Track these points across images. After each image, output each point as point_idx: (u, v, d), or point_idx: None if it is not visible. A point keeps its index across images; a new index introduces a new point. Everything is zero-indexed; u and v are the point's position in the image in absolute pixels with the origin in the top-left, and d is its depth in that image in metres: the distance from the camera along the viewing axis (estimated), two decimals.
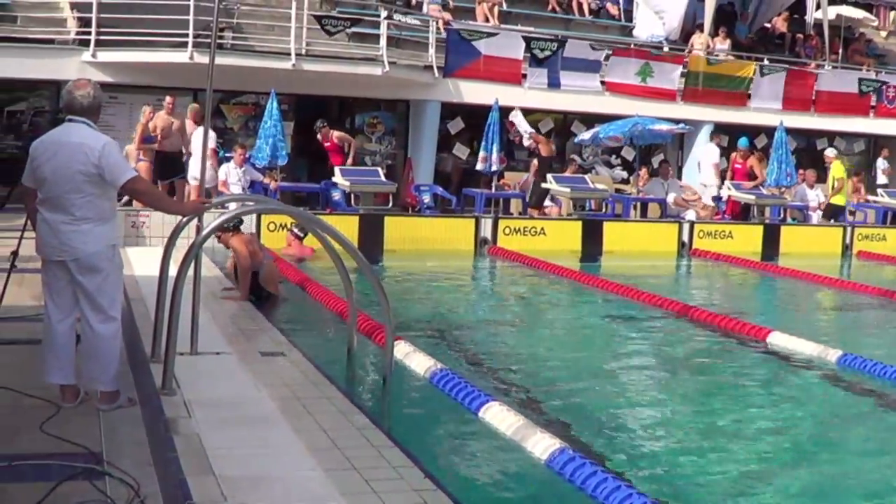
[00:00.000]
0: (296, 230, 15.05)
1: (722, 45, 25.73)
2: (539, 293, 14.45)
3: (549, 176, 20.21)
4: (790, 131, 22.62)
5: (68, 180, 5.98)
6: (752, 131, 24.55)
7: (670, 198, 21.12)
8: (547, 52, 21.70)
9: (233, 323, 9.44)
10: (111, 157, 6.02)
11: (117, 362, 6.26)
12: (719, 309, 12.63)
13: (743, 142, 21.91)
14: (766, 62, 24.73)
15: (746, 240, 19.92)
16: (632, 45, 24.34)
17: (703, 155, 22.49)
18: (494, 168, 19.74)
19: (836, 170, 22.11)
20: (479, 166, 20.15)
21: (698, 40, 25.47)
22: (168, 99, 17.19)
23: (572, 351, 10.39)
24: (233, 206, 9.97)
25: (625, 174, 24.06)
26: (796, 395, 8.80)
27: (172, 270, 7.23)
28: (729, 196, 21.41)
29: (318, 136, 19.32)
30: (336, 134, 19.55)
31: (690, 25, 26.23)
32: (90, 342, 6.13)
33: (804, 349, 10.10)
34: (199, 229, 7.59)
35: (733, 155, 22.24)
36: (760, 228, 20.35)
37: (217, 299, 10.63)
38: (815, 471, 6.75)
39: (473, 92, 21.19)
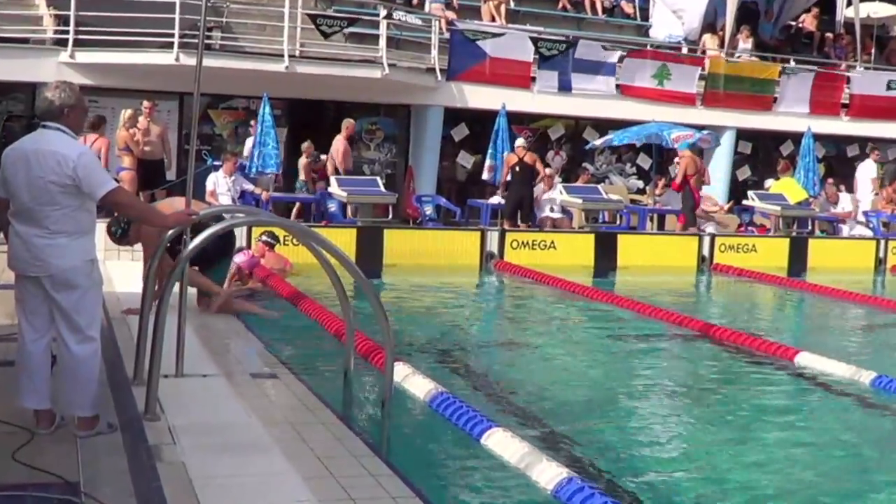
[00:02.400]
0: (265, 237, 14.95)
1: (745, 44, 25.77)
2: (548, 311, 14.42)
3: (559, 185, 20.22)
4: (818, 137, 22.65)
5: (42, 192, 5.94)
6: (778, 137, 24.61)
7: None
8: (554, 52, 21.71)
9: (221, 342, 9.44)
10: (88, 168, 5.97)
11: (96, 385, 6.24)
12: (743, 328, 12.60)
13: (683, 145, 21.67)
14: (792, 63, 24.75)
15: (771, 254, 19.89)
16: (648, 46, 24.39)
17: (861, 171, 22.49)
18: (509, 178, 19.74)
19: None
20: (485, 175, 20.18)
21: (711, 41, 25.51)
22: (146, 103, 17.22)
23: (583, 373, 10.36)
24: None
25: (640, 183, 24.09)
26: (827, 419, 8.77)
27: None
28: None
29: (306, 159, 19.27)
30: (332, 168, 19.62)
31: (711, 25, 26.27)
32: (67, 364, 6.11)
33: (834, 370, 10.06)
34: (185, 243, 7.59)
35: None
36: (786, 242, 20.31)
37: (203, 316, 10.61)
38: (849, 501, 6.72)
39: (479, 96, 21.23)
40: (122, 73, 18.60)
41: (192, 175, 7.95)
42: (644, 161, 24.02)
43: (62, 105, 6.12)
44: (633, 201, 22.50)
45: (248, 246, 15.50)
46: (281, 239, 15.48)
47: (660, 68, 22.94)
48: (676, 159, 21.42)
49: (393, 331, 7.88)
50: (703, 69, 23.74)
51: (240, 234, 15.59)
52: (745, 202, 21.73)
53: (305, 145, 19.40)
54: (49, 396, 6.20)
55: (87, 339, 6.11)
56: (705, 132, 21.52)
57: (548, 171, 20.58)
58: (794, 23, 28.76)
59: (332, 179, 18.47)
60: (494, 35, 21.67)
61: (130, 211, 6.75)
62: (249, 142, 19.09)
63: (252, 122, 19.50)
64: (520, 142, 19.86)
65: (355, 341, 8.69)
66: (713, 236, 19.74)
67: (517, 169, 19.28)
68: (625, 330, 12.73)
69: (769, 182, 22.42)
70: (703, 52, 24.86)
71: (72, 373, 6.10)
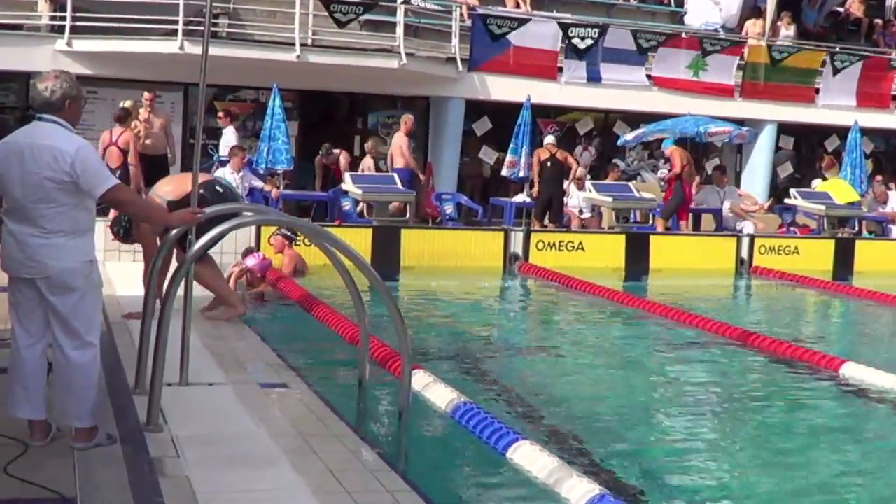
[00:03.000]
0: (284, 230, 14.96)
1: (786, 31, 25.67)
2: (576, 317, 14.38)
3: (587, 183, 20.17)
4: (866, 131, 22.53)
5: (37, 188, 5.92)
6: (822, 132, 24.50)
7: (726, 206, 21.05)
8: (588, 42, 21.67)
9: (228, 349, 9.44)
10: (87, 163, 5.95)
11: (95, 394, 6.23)
12: (784, 336, 12.53)
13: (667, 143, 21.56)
14: (837, 51, 24.64)
15: (815, 256, 19.79)
16: (683, 34, 24.32)
17: None
18: (524, 174, 19.72)
19: None
20: (504, 171, 20.15)
21: (754, 27, 25.42)
22: (147, 95, 17.25)
23: (614, 383, 10.32)
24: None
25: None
26: (875, 434, 8.71)
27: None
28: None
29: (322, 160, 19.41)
30: (344, 162, 19.70)
31: (750, 11, 26.18)
32: (64, 371, 6.09)
33: (883, 382, 9.98)
34: (190, 243, 7.59)
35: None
36: (832, 243, 20.19)
37: (209, 321, 10.62)
38: None
39: (502, 87, 21.23)
40: (122, 62, 18.66)
41: (198, 171, 7.94)
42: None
43: (64, 96, 6.09)
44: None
45: (258, 247, 15.53)
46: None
47: (695, 58, 22.87)
48: (709, 163, 21.37)
49: (410, 336, 7.86)
50: (741, 59, 23.65)
51: (249, 235, 15.63)
52: (786, 201, 21.64)
53: (369, 145, 19.76)
54: (44, 406, 6.19)
55: (86, 345, 6.10)
56: (744, 127, 21.45)
57: (579, 174, 20.47)
58: (840, 8, 28.62)
59: (347, 176, 18.49)
60: (519, 22, 21.65)
61: (132, 209, 6.75)
62: (229, 133, 18.95)
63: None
64: (549, 139, 19.88)
65: (370, 348, 8.68)
66: (752, 237, 19.65)
67: (548, 165, 19.27)
68: (658, 337, 12.68)
69: (816, 182, 22.29)
70: (743, 40, 24.76)
71: (68, 381, 6.08)
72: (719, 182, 21.61)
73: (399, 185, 18.61)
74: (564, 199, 19.92)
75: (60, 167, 5.89)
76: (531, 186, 19.74)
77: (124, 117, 16.70)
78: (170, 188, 10.48)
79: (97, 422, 6.27)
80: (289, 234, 15.03)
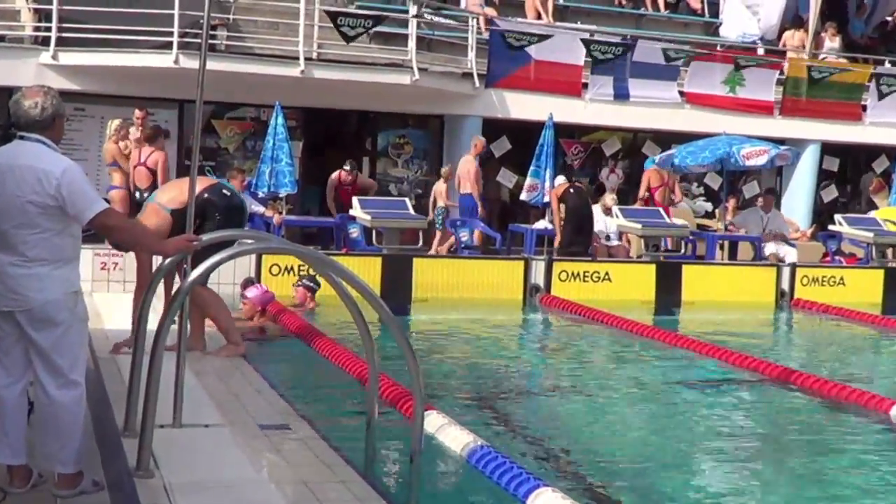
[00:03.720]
0: (306, 281, 15.08)
1: (831, 43, 25.67)
2: (602, 353, 14.37)
3: (615, 209, 20.17)
4: None
5: (18, 212, 5.90)
6: (870, 152, 24.46)
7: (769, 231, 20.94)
8: (609, 55, 21.72)
9: (225, 387, 9.43)
10: (74, 186, 5.92)
11: (80, 437, 6.19)
12: (829, 374, 12.49)
13: (649, 162, 21.69)
14: (887, 65, 24.62)
15: (863, 288, 19.72)
16: (718, 47, 24.34)
17: None
18: (546, 199, 19.70)
19: None
20: (523, 196, 20.15)
21: (792, 39, 25.43)
22: (138, 113, 17.28)
23: (643, 424, 10.31)
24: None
25: (709, 206, 24.02)
26: None
27: (152, 324, 7.23)
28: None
29: (341, 175, 19.40)
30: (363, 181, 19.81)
31: (791, 21, 26.20)
32: (46, 412, 6.05)
33: None
34: (185, 273, 7.60)
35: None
36: (881, 274, 20.08)
37: (205, 357, 10.63)
38: None
39: (522, 105, 21.28)
40: (112, 76, 18.74)
41: (194, 194, 7.96)
42: (713, 180, 23.94)
43: (53, 114, 6.08)
44: (700, 226, 22.41)
45: (259, 278, 15.56)
46: (296, 269, 15.55)
47: (731, 73, 22.89)
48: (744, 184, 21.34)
49: (423, 375, 7.84)
50: (781, 73, 23.66)
51: (248, 264, 15.65)
52: (831, 227, 21.59)
53: (445, 170, 19.87)
54: (25, 450, 6.14)
55: (70, 384, 6.06)
56: (783, 147, 21.42)
57: (608, 201, 20.40)
58: (889, 18, 28.61)
59: (355, 201, 18.48)
60: (540, 36, 21.71)
61: (124, 236, 6.73)
62: None
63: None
64: (561, 178, 19.85)
65: (380, 386, 8.66)
66: (794, 267, 19.60)
67: (571, 191, 19.25)
68: (690, 375, 12.66)
69: (871, 213, 22.20)
70: (783, 51, 24.76)
71: (51, 422, 6.04)
72: (767, 206, 21.42)
73: (410, 210, 18.65)
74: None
75: (45, 190, 5.86)
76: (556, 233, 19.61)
77: (154, 136, 16.72)
78: (171, 196, 10.56)
79: (82, 467, 6.24)
80: (312, 285, 15.08)
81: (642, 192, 21.06)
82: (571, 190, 19.31)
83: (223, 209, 10.45)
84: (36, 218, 5.90)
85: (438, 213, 19.74)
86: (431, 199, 20.10)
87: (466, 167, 19.73)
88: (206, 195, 10.37)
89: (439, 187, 19.91)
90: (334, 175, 19.70)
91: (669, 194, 21.20)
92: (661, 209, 20.57)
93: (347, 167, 19.65)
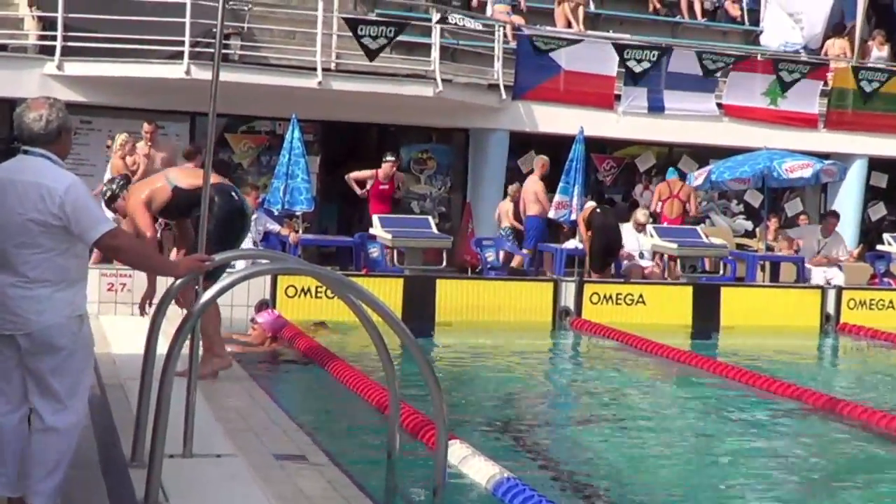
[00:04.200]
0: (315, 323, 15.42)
1: (879, 53, 25.59)
2: (636, 380, 14.31)
3: (649, 227, 20.14)
4: None
5: (19, 231, 5.88)
6: None
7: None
8: (645, 65, 21.71)
9: (239, 415, 9.44)
10: (78, 203, 5.91)
11: (64, 471, 6.12)
12: (878, 404, 12.43)
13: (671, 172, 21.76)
14: None
15: None
16: (758, 56, 24.32)
17: None
18: (575, 217, 19.68)
19: None
20: (552, 213, 20.12)
21: (833, 48, 25.37)
22: (147, 126, 17.33)
23: (680, 457, 10.26)
24: (241, 264, 10.01)
25: (749, 224, 23.95)
26: None
27: (162, 348, 7.24)
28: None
29: (378, 173, 19.24)
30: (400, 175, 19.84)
31: (834, 29, 26.13)
32: (37, 437, 6.00)
33: None
34: (197, 294, 7.61)
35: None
36: None
37: (217, 383, 10.64)
38: None
39: (552, 118, 21.30)
40: (120, 88, 18.82)
41: (206, 213, 7.97)
42: (753, 197, 23.87)
43: (60, 127, 6.07)
44: (739, 246, 22.35)
45: (273, 301, 15.60)
46: (313, 290, 15.59)
47: (773, 84, 22.84)
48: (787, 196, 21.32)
49: (446, 403, 7.83)
50: (825, 84, 23.61)
51: (263, 286, 15.68)
52: (879, 247, 21.50)
53: (513, 188, 20.17)
54: (21, 481, 6.08)
55: (66, 409, 6.02)
56: (828, 162, 21.35)
57: (640, 217, 20.36)
58: None
59: (375, 219, 18.44)
60: (570, 43, 21.72)
61: (132, 258, 6.70)
62: None
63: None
64: (589, 203, 19.85)
65: (401, 415, 8.66)
66: (840, 289, 19.51)
67: (597, 211, 19.22)
68: (730, 405, 12.60)
69: None
70: (827, 61, 24.70)
71: (40, 447, 5.98)
72: (828, 230, 21.05)
73: (433, 228, 18.65)
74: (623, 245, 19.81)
75: (48, 208, 5.84)
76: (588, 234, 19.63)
77: (194, 153, 16.82)
78: (182, 175, 10.72)
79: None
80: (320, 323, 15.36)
81: (654, 206, 21.19)
82: (598, 210, 19.30)
83: (223, 211, 10.38)
84: (38, 237, 5.88)
85: (506, 232, 19.89)
86: (496, 216, 20.32)
87: (533, 188, 19.91)
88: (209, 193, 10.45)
89: (505, 206, 20.07)
90: (369, 171, 19.60)
91: (681, 206, 21.14)
92: (696, 228, 20.57)
93: (391, 157, 19.48)
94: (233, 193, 10.74)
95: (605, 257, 19.21)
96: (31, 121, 6.05)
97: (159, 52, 18.76)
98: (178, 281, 7.82)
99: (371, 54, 19.52)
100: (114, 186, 10.82)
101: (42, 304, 5.91)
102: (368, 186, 19.22)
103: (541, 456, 9.82)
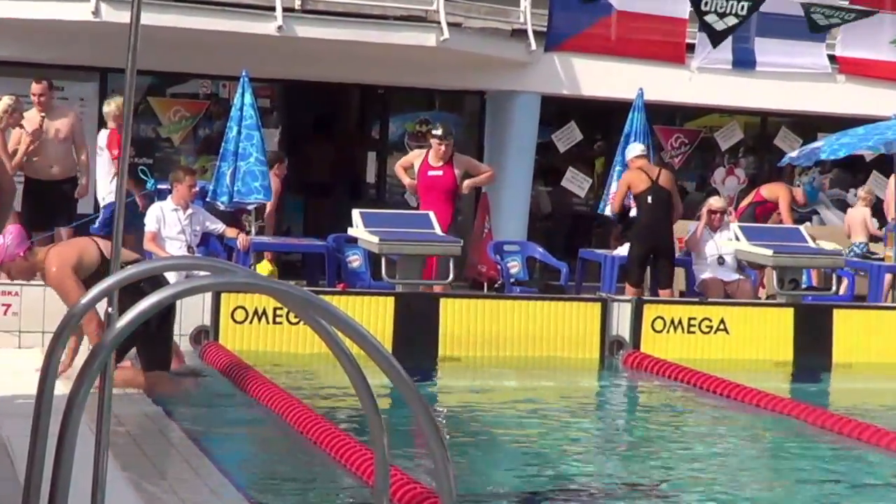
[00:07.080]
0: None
1: None
2: (714, 437, 14.35)
3: (733, 226, 20.12)
4: None
5: None
6: None
7: None
8: (731, 20, 21.59)
9: (166, 482, 9.49)
10: None
11: None
12: None
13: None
14: None
15: None
16: None
17: None
18: (634, 213, 19.61)
19: None
20: (606, 210, 20.09)
21: None
22: (36, 87, 17.27)
23: None
24: (171, 277, 10.06)
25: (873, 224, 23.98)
26: None
27: (59, 389, 7.29)
28: None
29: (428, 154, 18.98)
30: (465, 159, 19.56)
31: None
32: None
33: None
34: (109, 318, 7.65)
35: None
36: None
37: (133, 433, 10.69)
38: None
39: (599, 77, 21.37)
40: (6, 35, 18.86)
41: (123, 205, 8.02)
42: (879, 185, 23.89)
43: None
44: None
45: (217, 325, 15.65)
46: (269, 314, 15.62)
47: None
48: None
49: (454, 469, 7.88)
50: None
51: (202, 308, 15.72)
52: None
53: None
54: None
55: None
56: None
57: (713, 202, 20.33)
58: None
59: (355, 215, 18.10)
60: None
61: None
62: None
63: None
64: (638, 149, 19.55)
65: (391, 483, 8.70)
66: None
67: (647, 199, 18.90)
68: (844, 470, 12.65)
69: None
70: None
71: None
72: None
73: (436, 228, 18.49)
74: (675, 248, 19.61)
75: None
76: (618, 237, 19.57)
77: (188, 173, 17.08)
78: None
79: None
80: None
81: (619, 197, 20.16)
82: (647, 197, 18.64)
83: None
84: None
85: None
86: (846, 226, 20.24)
87: None
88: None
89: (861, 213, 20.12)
90: (417, 152, 19.20)
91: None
92: (799, 228, 20.59)
93: (439, 132, 18.45)
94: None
95: (643, 268, 19.01)
96: None
97: None
98: (84, 301, 7.87)
99: None
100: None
101: None
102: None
103: None
